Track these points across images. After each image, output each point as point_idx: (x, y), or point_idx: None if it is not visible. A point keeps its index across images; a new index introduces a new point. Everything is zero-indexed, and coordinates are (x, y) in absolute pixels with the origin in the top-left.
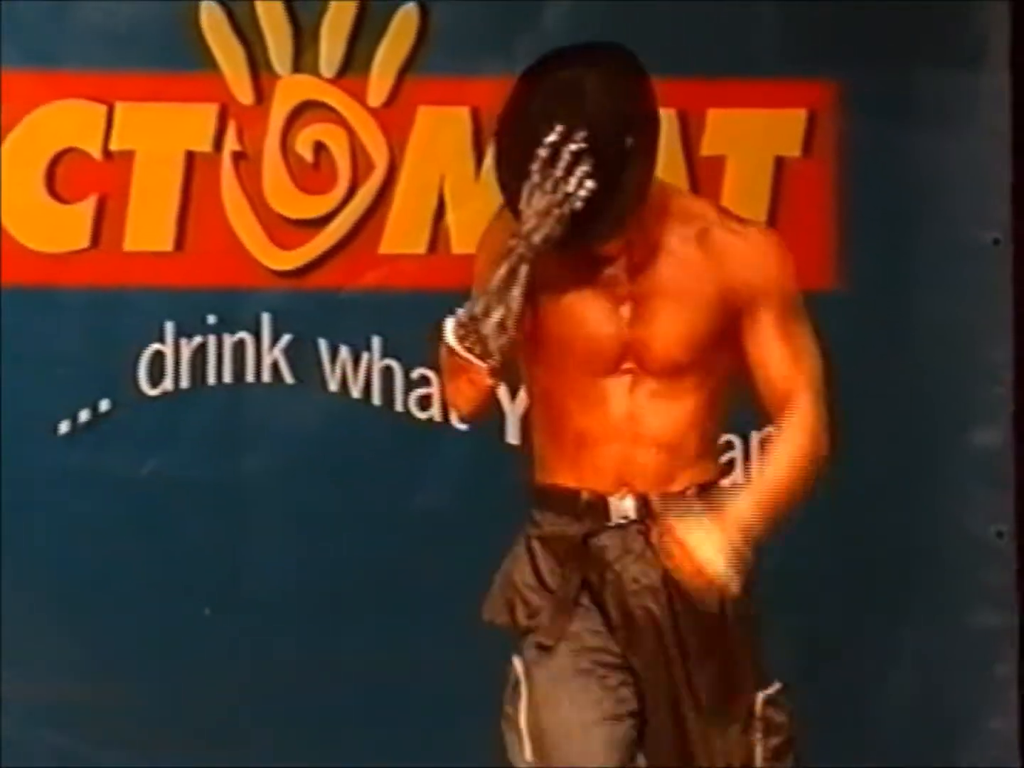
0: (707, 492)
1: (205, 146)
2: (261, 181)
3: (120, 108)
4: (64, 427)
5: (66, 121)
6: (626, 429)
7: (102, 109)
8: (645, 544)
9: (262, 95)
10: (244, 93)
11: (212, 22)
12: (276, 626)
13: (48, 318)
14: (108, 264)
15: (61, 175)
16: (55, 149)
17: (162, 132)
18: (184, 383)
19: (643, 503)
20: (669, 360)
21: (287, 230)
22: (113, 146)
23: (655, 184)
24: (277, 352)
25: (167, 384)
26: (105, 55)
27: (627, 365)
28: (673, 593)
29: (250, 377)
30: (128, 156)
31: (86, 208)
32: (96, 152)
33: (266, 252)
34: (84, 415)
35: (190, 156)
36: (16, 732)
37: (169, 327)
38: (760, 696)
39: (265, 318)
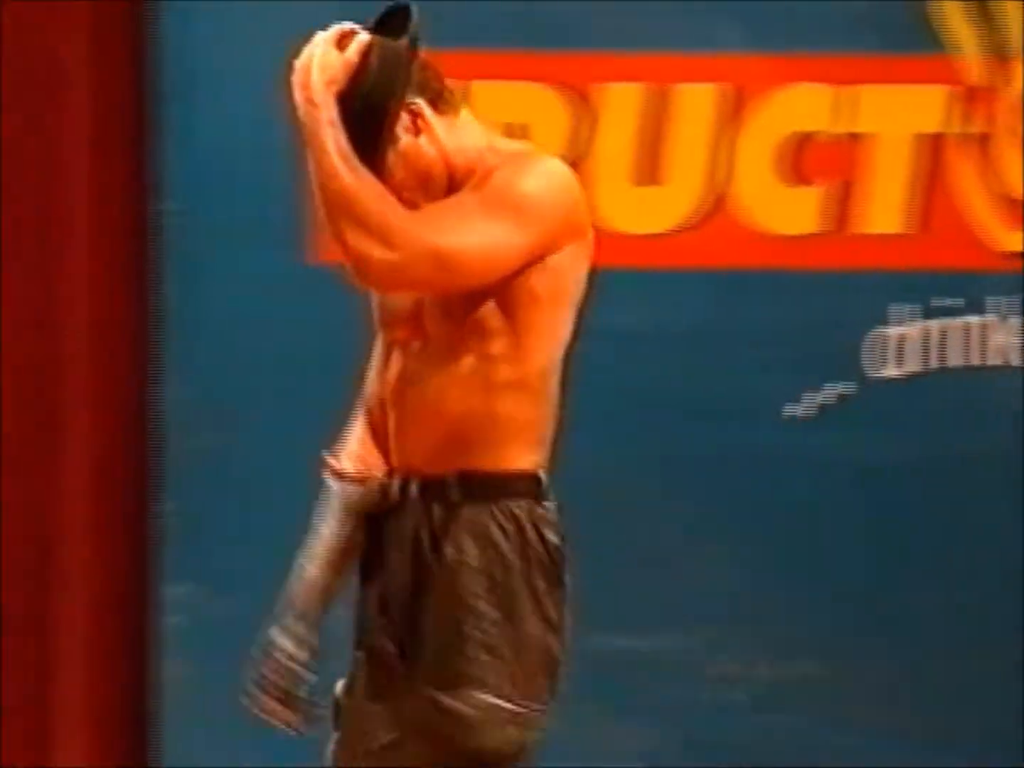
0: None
1: (934, 127)
2: (992, 162)
3: (850, 91)
4: (790, 410)
5: (798, 105)
6: None
7: (830, 91)
8: None
9: (996, 77)
10: (977, 75)
11: (948, 7)
12: None
13: (778, 301)
14: (836, 247)
15: (791, 158)
16: (786, 133)
17: (892, 114)
18: (915, 366)
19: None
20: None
21: (1015, 210)
22: (842, 129)
23: None
24: (1006, 335)
25: (892, 368)
26: (837, 39)
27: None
28: None
29: (975, 360)
30: (857, 139)
31: (815, 191)
32: (825, 135)
33: (995, 233)
34: (812, 398)
35: (920, 138)
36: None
37: (895, 309)
38: None
39: (995, 301)
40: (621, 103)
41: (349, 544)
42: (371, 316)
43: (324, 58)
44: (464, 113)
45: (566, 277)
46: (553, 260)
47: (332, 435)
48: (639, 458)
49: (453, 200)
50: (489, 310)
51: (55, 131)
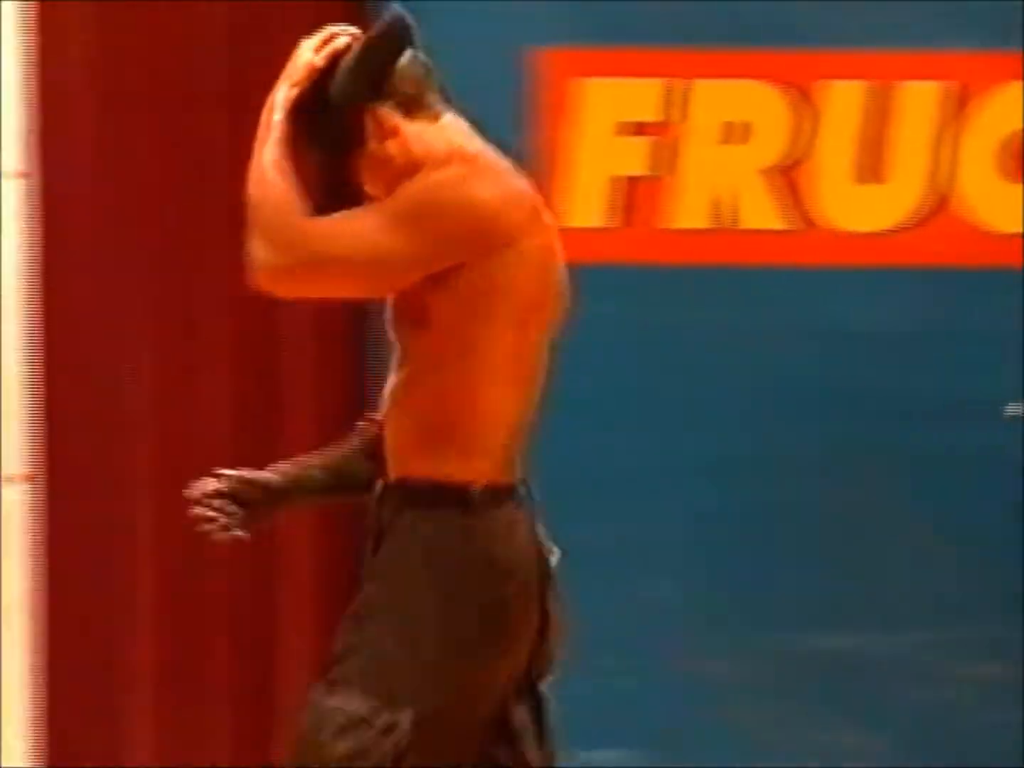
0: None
1: None
2: None
3: None
4: (1013, 409)
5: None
6: None
7: None
8: None
9: None
10: None
11: None
12: None
13: (1001, 299)
14: None
15: (1015, 156)
16: (1009, 130)
17: None
18: None
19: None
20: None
21: None
22: None
23: None
24: None
25: None
26: None
27: None
28: None
29: None
30: None
31: None
32: None
33: None
34: None
35: None
36: None
37: None
38: None
39: None
40: (844, 101)
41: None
42: None
43: (296, 60)
44: (445, 118)
45: (489, 292)
46: (466, 274)
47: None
48: (860, 457)
49: (360, 208)
50: (418, 320)
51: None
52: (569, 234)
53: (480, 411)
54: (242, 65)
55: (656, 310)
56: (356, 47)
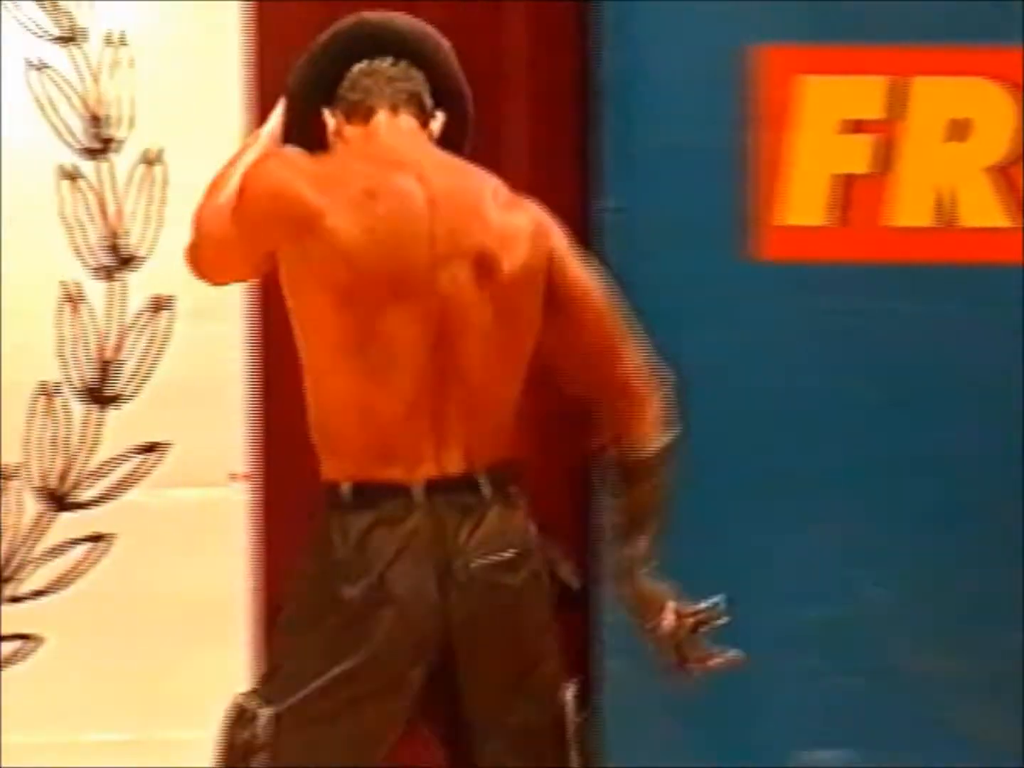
0: None
1: None
2: None
3: None
4: None
5: None
6: None
7: None
8: None
9: None
10: None
11: None
12: None
13: None
14: None
15: None
16: None
17: None
18: None
19: None
20: None
21: None
22: None
23: None
24: None
25: None
26: None
27: None
28: None
29: None
30: None
31: None
32: None
33: None
34: None
35: None
36: None
37: None
38: None
39: None
40: None
41: None
42: None
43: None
44: (374, 121)
45: (300, 279)
46: (283, 262)
47: (771, 434)
48: None
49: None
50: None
51: (494, 130)
52: (790, 232)
53: (327, 405)
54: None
55: (876, 308)
56: (307, 51)
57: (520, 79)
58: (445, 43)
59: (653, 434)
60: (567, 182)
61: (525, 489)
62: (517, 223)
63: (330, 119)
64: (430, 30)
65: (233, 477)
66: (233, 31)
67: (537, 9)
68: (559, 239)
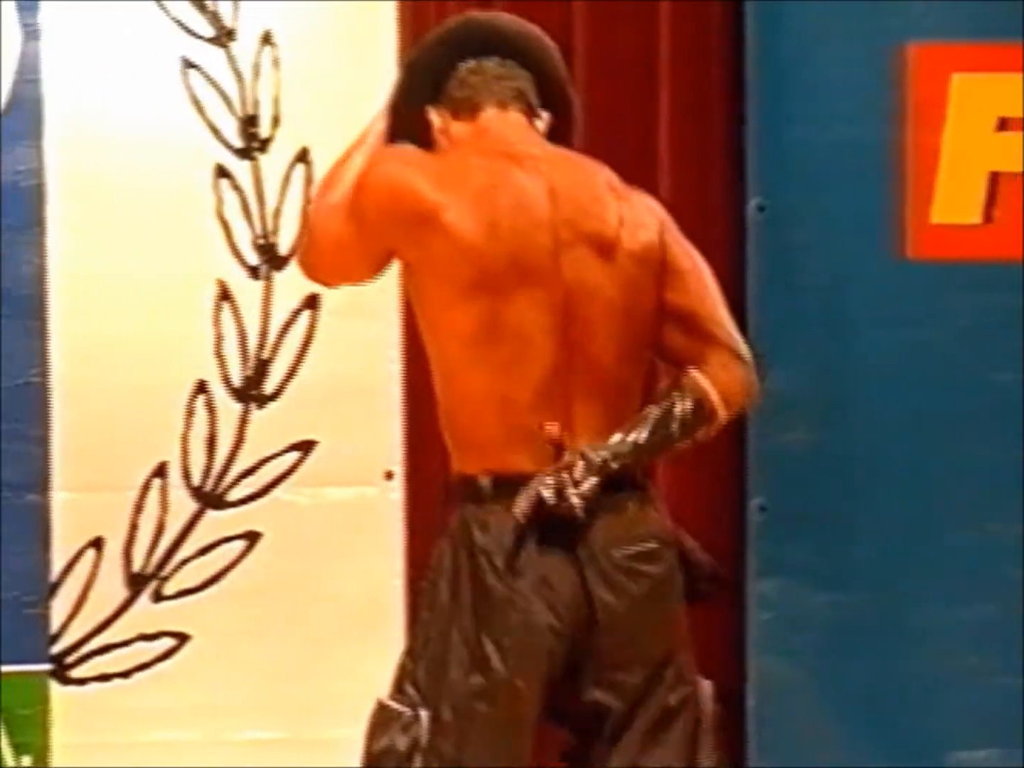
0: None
1: None
2: None
3: None
4: None
5: None
6: None
7: None
8: None
9: None
10: None
11: None
12: None
13: None
14: None
15: None
16: None
17: None
18: None
19: None
20: None
21: None
22: None
23: None
24: None
25: None
26: None
27: None
28: None
29: None
30: None
31: None
32: None
33: None
34: None
35: None
36: None
37: None
38: None
39: None
40: None
41: None
42: None
43: None
44: (482, 117)
45: (420, 277)
46: (403, 259)
47: (929, 433)
48: None
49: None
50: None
51: (644, 129)
52: (942, 231)
53: (460, 398)
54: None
55: None
56: (413, 52)
57: (670, 78)
58: (551, 44)
59: (739, 390)
60: (717, 181)
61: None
62: (634, 209)
63: (436, 118)
64: (536, 31)
65: (387, 476)
66: (381, 30)
67: (687, 9)
68: (670, 225)
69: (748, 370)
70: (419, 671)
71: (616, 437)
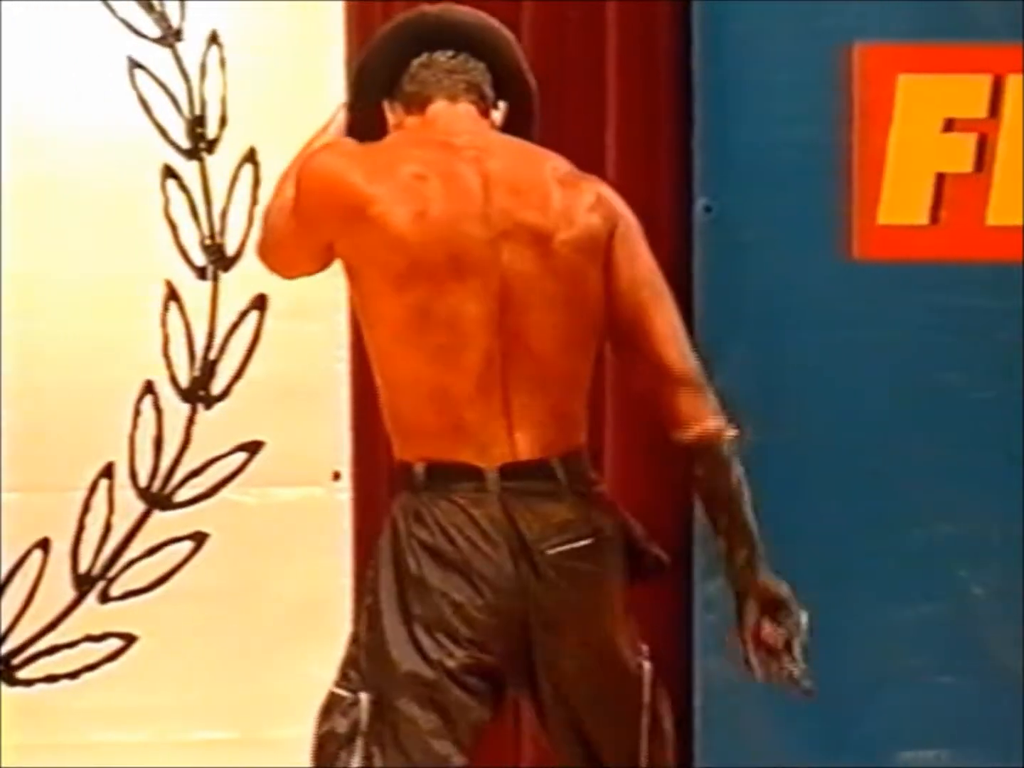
0: None
1: None
2: None
3: None
4: None
5: None
6: None
7: None
8: None
9: None
10: None
11: None
12: None
13: None
14: None
15: None
16: None
17: None
18: None
19: None
20: None
21: None
22: None
23: None
24: None
25: None
26: None
27: None
28: None
29: None
30: None
31: None
32: None
33: None
34: None
35: None
36: None
37: None
38: None
39: None
40: None
41: None
42: None
43: None
44: (431, 109)
45: (354, 269)
46: (339, 250)
47: (875, 433)
48: None
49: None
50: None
51: (591, 129)
52: (888, 231)
53: (397, 387)
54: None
55: (976, 306)
56: (366, 47)
57: (618, 78)
58: (507, 35)
59: (717, 423)
60: (665, 181)
61: (601, 476)
62: (577, 197)
63: (390, 113)
64: (492, 22)
65: (335, 476)
66: (328, 30)
67: (635, 9)
68: (624, 218)
69: (700, 391)
70: (361, 656)
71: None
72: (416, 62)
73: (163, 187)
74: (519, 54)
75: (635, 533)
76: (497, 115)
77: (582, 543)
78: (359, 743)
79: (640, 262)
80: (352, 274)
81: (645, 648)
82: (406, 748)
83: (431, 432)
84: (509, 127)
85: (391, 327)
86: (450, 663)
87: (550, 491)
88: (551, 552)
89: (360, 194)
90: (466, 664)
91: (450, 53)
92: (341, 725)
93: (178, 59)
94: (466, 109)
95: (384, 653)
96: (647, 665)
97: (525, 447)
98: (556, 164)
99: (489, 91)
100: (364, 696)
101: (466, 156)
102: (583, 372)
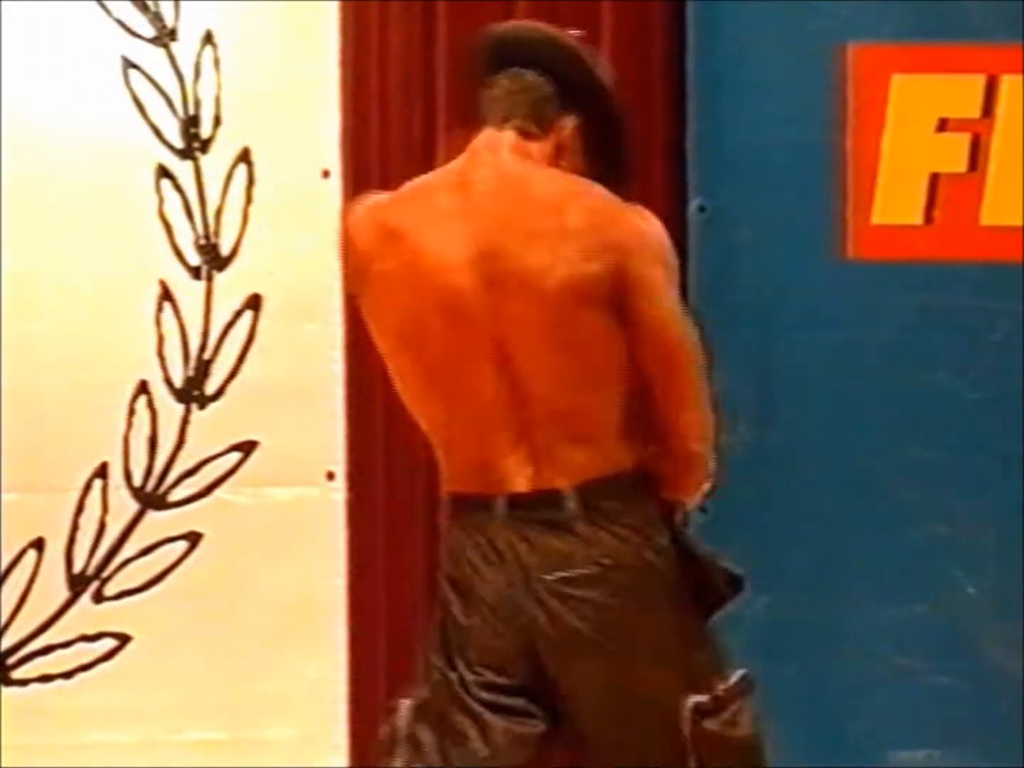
0: None
1: None
2: None
3: None
4: None
5: None
6: None
7: None
8: None
9: None
10: None
11: None
12: None
13: None
14: None
15: None
16: None
17: None
18: None
19: None
20: None
21: None
22: None
23: None
24: None
25: None
26: None
27: None
28: None
29: None
30: None
31: None
32: None
33: None
34: None
35: None
36: None
37: None
38: None
39: None
40: None
41: None
42: None
43: None
44: (477, 139)
45: (369, 321)
46: (359, 304)
47: (869, 433)
48: None
49: None
50: None
51: None
52: (883, 232)
53: (423, 428)
54: None
55: (972, 306)
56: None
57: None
58: (572, 43)
59: (691, 499)
60: (659, 182)
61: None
62: (578, 241)
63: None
64: (555, 33)
65: (329, 476)
66: (323, 30)
67: (628, 10)
68: (644, 260)
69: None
70: (422, 664)
71: None
72: (489, 82)
73: (157, 187)
74: (590, 61)
75: (697, 557)
76: (567, 126)
77: (580, 571)
78: (399, 749)
79: (656, 312)
80: (369, 327)
81: (721, 685)
82: (448, 754)
83: (455, 469)
84: (591, 135)
85: (403, 381)
86: (469, 676)
87: (555, 521)
88: (549, 579)
89: (363, 254)
90: (485, 683)
91: (512, 73)
92: (383, 732)
93: (172, 59)
94: (507, 137)
95: (428, 658)
96: (690, 702)
97: (536, 479)
98: (587, 203)
99: (548, 109)
100: (405, 702)
101: (469, 195)
102: (604, 406)
